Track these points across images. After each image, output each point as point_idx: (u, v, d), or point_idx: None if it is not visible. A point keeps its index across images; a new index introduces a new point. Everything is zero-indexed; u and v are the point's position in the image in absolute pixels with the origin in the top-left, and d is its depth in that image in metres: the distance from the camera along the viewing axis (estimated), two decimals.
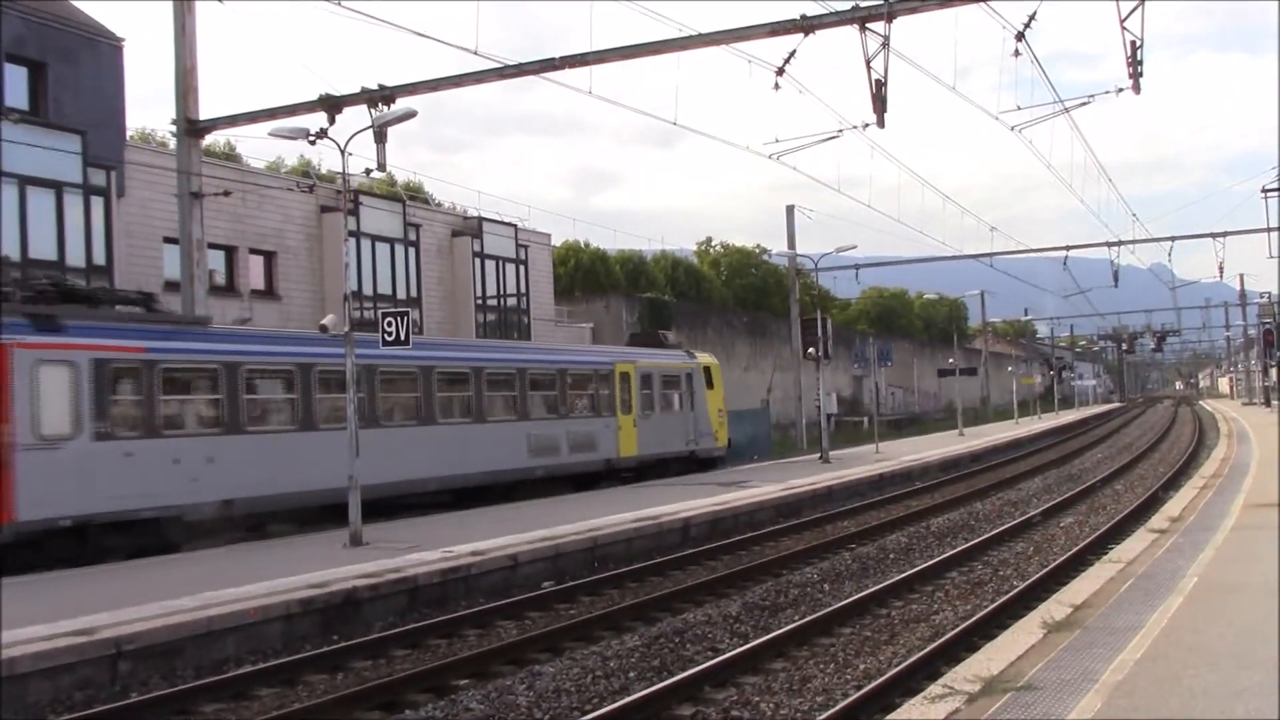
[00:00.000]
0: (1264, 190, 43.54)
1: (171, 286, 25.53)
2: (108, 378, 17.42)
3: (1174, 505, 19.05)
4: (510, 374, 26.40)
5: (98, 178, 24.58)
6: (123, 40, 26.79)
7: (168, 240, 26.34)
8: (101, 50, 26.16)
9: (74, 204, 23.96)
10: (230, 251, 30.09)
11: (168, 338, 18.97)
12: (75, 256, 23.88)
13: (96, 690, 10.68)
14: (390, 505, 21.86)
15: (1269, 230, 44.39)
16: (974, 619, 12.30)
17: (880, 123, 19.95)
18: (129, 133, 29.49)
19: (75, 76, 25.22)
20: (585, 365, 29.14)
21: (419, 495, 23.37)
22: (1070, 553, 16.69)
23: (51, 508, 16.20)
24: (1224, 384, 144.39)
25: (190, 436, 18.87)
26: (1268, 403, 71.37)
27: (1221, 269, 50.49)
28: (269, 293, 31.04)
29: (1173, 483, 26.84)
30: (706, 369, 33.83)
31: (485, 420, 25.12)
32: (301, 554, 16.66)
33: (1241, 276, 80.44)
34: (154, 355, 18.25)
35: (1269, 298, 67.11)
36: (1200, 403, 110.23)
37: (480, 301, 37.94)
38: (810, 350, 36.62)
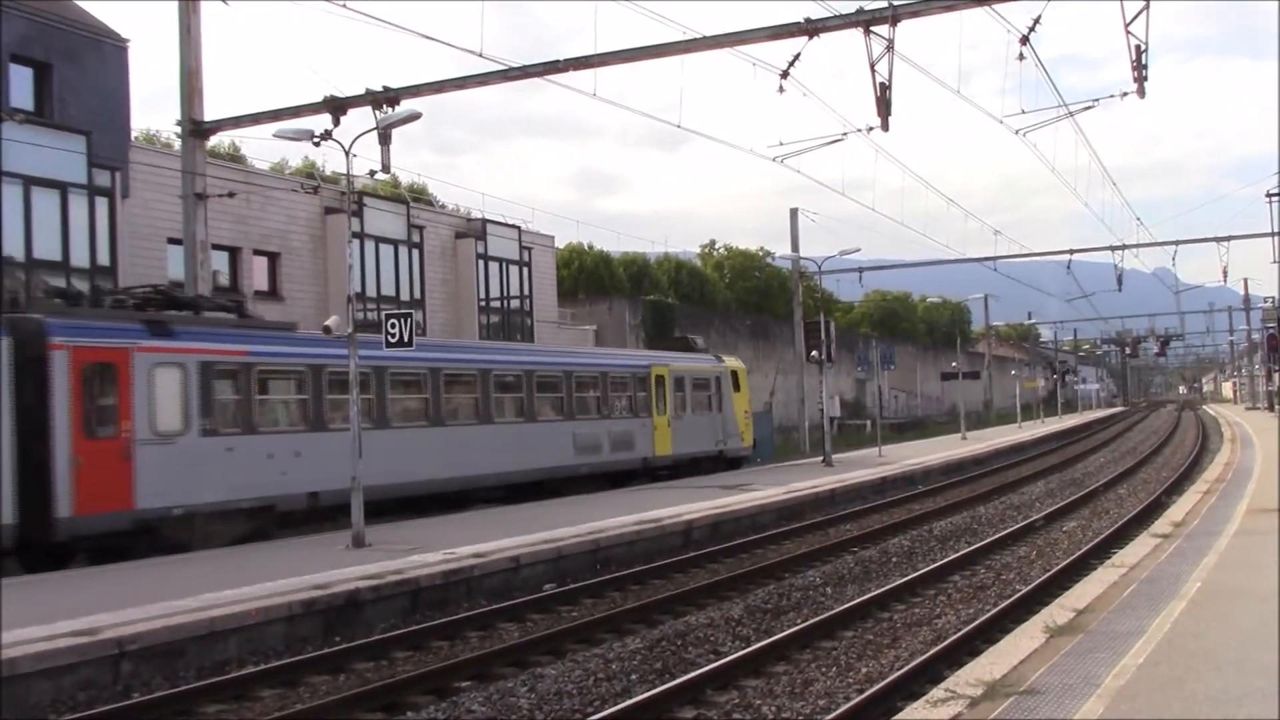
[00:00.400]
0: (1268, 195, 43.57)
1: (176, 288, 25.55)
2: (212, 379, 18.84)
3: (1177, 510, 19.03)
4: (557, 377, 27.70)
5: (102, 178, 24.62)
6: (128, 41, 26.84)
7: (172, 241, 26.38)
8: (106, 51, 26.22)
9: (79, 205, 24.00)
10: (234, 252, 30.15)
11: (262, 342, 20.33)
12: (80, 257, 23.92)
13: (98, 691, 10.68)
14: (453, 500, 23.48)
15: (1273, 234, 44.40)
16: (976, 623, 12.29)
17: (884, 126, 19.96)
18: (134, 133, 29.52)
19: (80, 77, 25.27)
20: (624, 368, 30.36)
21: (478, 490, 24.64)
22: (1073, 557, 16.66)
23: (166, 498, 17.56)
24: (1227, 389, 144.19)
25: (281, 433, 20.26)
26: (1271, 407, 71.26)
27: (1225, 273, 50.52)
28: (272, 294, 31.08)
29: (1176, 487, 26.80)
30: (734, 373, 35.03)
31: (535, 420, 26.46)
32: (304, 555, 16.66)
33: (1245, 281, 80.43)
34: (251, 358, 19.59)
35: (1273, 302, 67.00)
36: (1203, 407, 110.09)
37: (484, 303, 37.97)
38: (813, 353, 36.60)
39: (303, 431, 20.51)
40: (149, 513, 17.45)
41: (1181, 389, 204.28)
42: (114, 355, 17.38)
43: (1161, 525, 16.76)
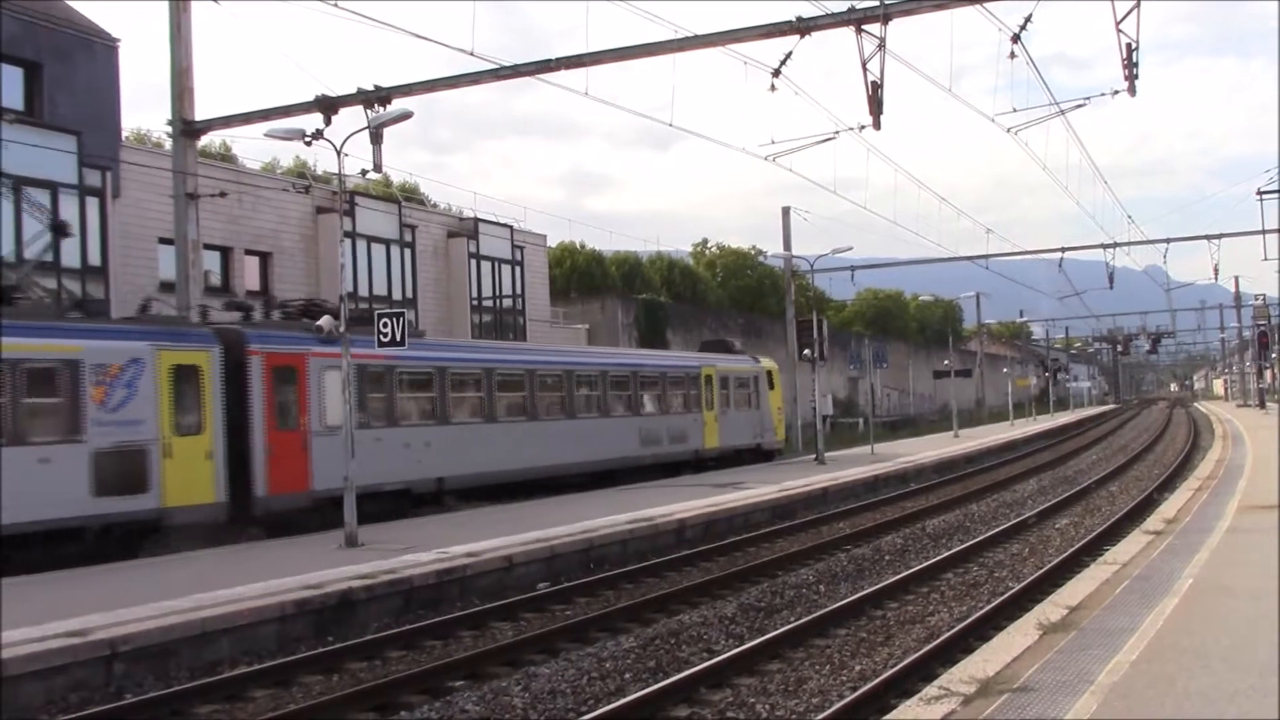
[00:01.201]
0: (1259, 192, 43.63)
1: (167, 287, 25.50)
2: (365, 380, 21.60)
3: (1169, 507, 19.06)
4: (626, 377, 30.83)
5: (93, 178, 24.56)
6: (118, 40, 26.78)
7: (163, 241, 26.33)
8: (96, 50, 26.15)
9: (69, 205, 23.93)
10: (226, 252, 30.10)
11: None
12: (70, 257, 23.85)
13: (90, 692, 10.65)
14: (543, 486, 26.02)
15: (1264, 232, 44.50)
16: (970, 620, 12.31)
17: (876, 124, 19.96)
18: (124, 133, 29.46)
19: (70, 77, 25.20)
20: (680, 369, 33.48)
21: (564, 478, 27.30)
22: (1065, 554, 16.70)
23: (333, 481, 19.28)
24: (1219, 386, 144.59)
25: (416, 426, 23.25)
26: (1262, 405, 71.49)
27: (1216, 271, 50.53)
28: (264, 294, 31.01)
29: (1168, 485, 26.86)
30: (769, 372, 37.85)
31: (609, 415, 29.49)
32: (297, 555, 16.64)
33: (1236, 279, 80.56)
34: (392, 361, 21.85)
35: (1263, 300, 67.23)
36: (1195, 405, 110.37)
37: (476, 302, 37.96)
38: (806, 352, 36.64)
39: (431, 425, 23.57)
40: (321, 493, 20.29)
41: (1173, 386, 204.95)
42: (294, 360, 20.48)
43: (1154, 522, 16.79)
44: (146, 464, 17.75)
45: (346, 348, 17.87)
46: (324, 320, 18.37)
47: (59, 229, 22.11)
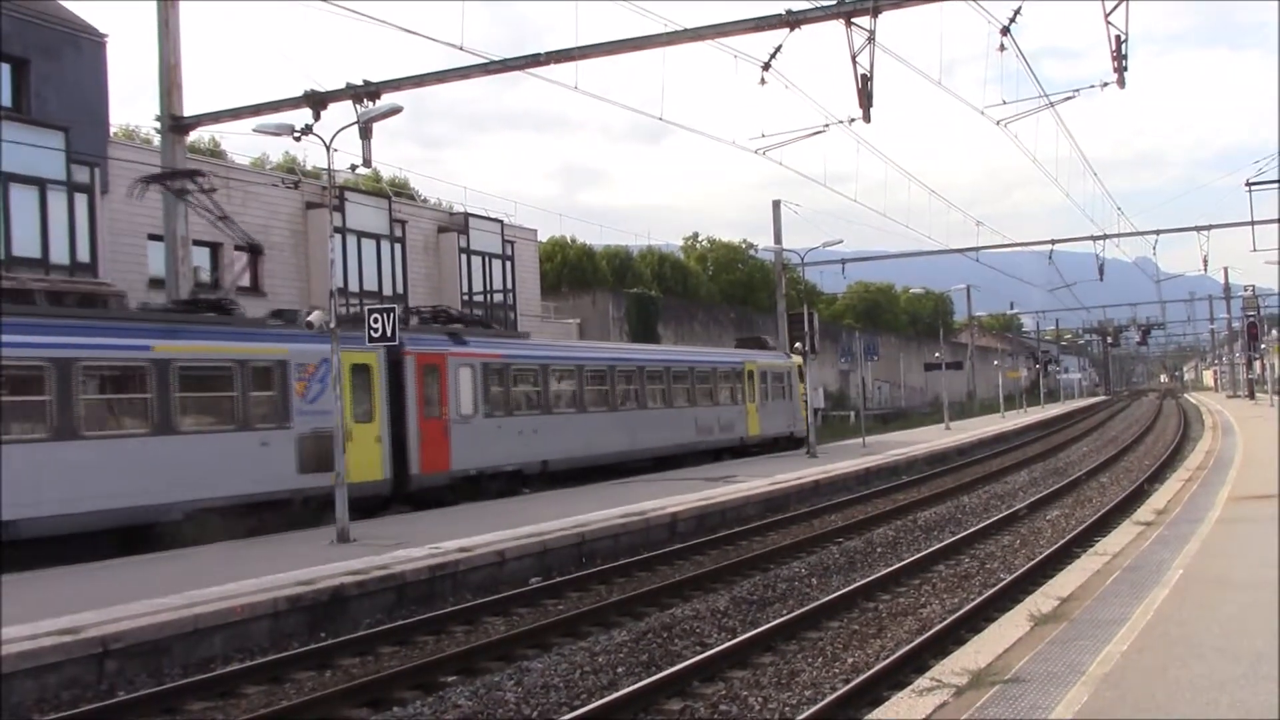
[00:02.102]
0: (1248, 184, 43.73)
1: (156, 283, 25.45)
2: (489, 375, 25.37)
3: (1159, 498, 19.11)
4: (685, 372, 34.14)
5: (81, 174, 24.49)
6: (106, 36, 26.69)
7: (152, 237, 26.26)
8: (84, 46, 26.06)
9: (58, 201, 23.88)
10: (215, 249, 29.99)
11: (512, 347, 27.45)
12: (59, 254, 23.79)
13: (83, 689, 10.64)
14: (619, 469, 29.38)
15: (1253, 224, 44.62)
16: (961, 612, 12.33)
17: (866, 117, 19.97)
18: (113, 129, 29.35)
19: (58, 73, 25.11)
20: (728, 365, 36.82)
21: (637, 462, 30.53)
22: (1056, 545, 16.74)
23: (466, 463, 24.18)
24: (1208, 377, 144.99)
25: (526, 415, 26.76)
26: (1252, 395, 71.70)
27: (1206, 262, 50.72)
28: (254, 290, 30.94)
29: (1158, 476, 26.92)
30: (799, 367, 40.07)
31: (673, 406, 32.91)
32: (288, 551, 16.62)
33: (1226, 270, 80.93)
34: (508, 359, 26.20)
35: (1253, 291, 67.38)
36: (1185, 396, 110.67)
37: (467, 297, 37.92)
38: (797, 345, 36.69)
39: (538, 414, 27.17)
40: (458, 473, 24.03)
41: (1163, 378, 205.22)
42: (437, 359, 23.92)
43: (1144, 513, 16.83)
44: (318, 450, 20.08)
45: (335, 343, 17.83)
46: (314, 316, 18.32)
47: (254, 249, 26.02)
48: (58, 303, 18.12)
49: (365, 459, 21.49)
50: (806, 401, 37.16)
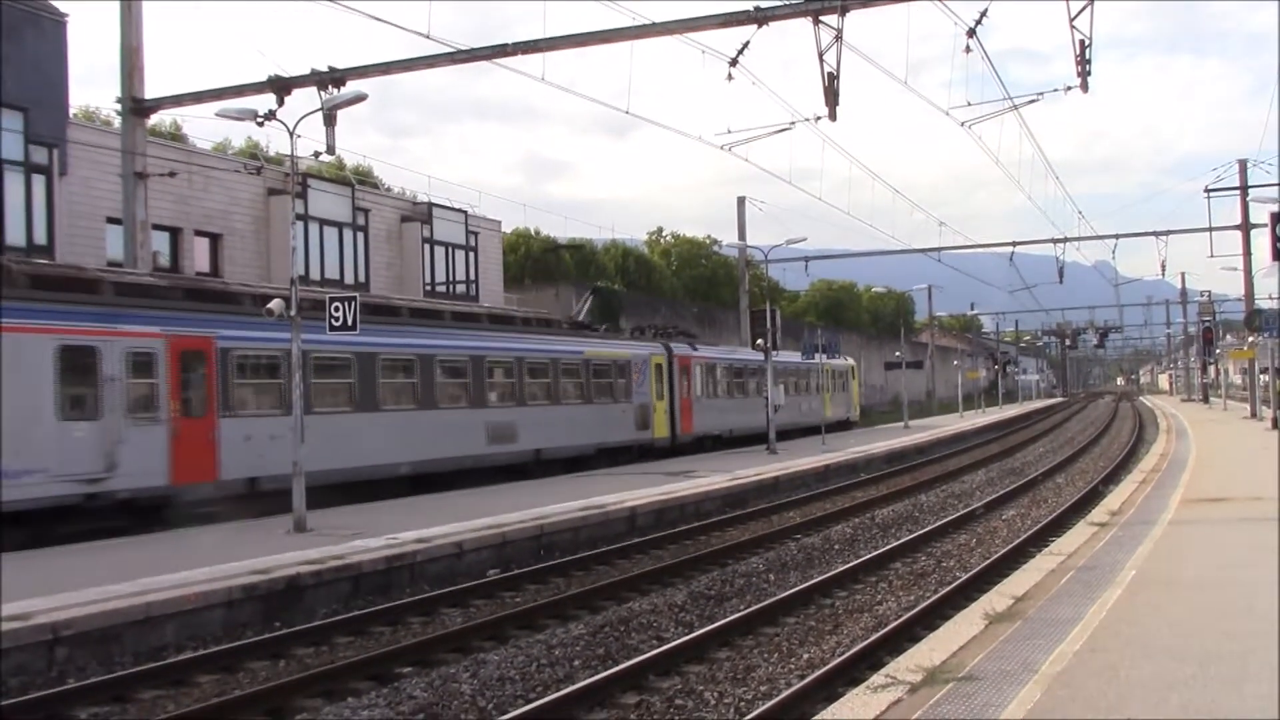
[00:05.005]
0: (1207, 190, 44.27)
1: (114, 268, 25.11)
2: (705, 371, 37.97)
3: (1114, 499, 19.30)
4: (793, 370, 45.36)
5: (39, 155, 24.16)
6: (66, 16, 26.29)
7: (111, 221, 25.91)
8: (44, 25, 25.67)
9: (15, 182, 23.55)
10: (175, 233, 29.68)
11: (718, 352, 40.68)
12: (15, 235, 23.47)
13: (32, 676, 10.50)
14: (761, 437, 37.03)
15: (1210, 230, 45.18)
16: (917, 609, 12.41)
17: (832, 116, 20.05)
18: (72, 110, 28.96)
19: (17, 52, 24.71)
20: (810, 366, 46.84)
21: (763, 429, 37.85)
22: (1012, 545, 16.88)
23: (699, 428, 37.21)
24: (1164, 380, 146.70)
25: (718, 398, 39.35)
26: (1206, 400, 72.57)
27: (1163, 267, 51.33)
28: (214, 276, 30.62)
29: (1113, 477, 27.21)
30: (852, 368, 55.59)
31: (794, 394, 44.60)
32: (244, 540, 16.48)
33: (1183, 275, 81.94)
34: (714, 360, 39.31)
35: (1208, 296, 68.21)
36: (1140, 398, 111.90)
37: (430, 288, 37.73)
38: (759, 341, 36.80)
39: (726, 398, 39.97)
40: (698, 434, 36.90)
41: (1119, 380, 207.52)
42: (687, 360, 36.92)
43: (1099, 514, 16.99)
44: (649, 415, 34.08)
45: (297, 332, 17.69)
46: (274, 304, 18.16)
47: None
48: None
49: (660, 422, 34.71)
50: (765, 398, 37.48)
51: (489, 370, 27.01)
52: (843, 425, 51.41)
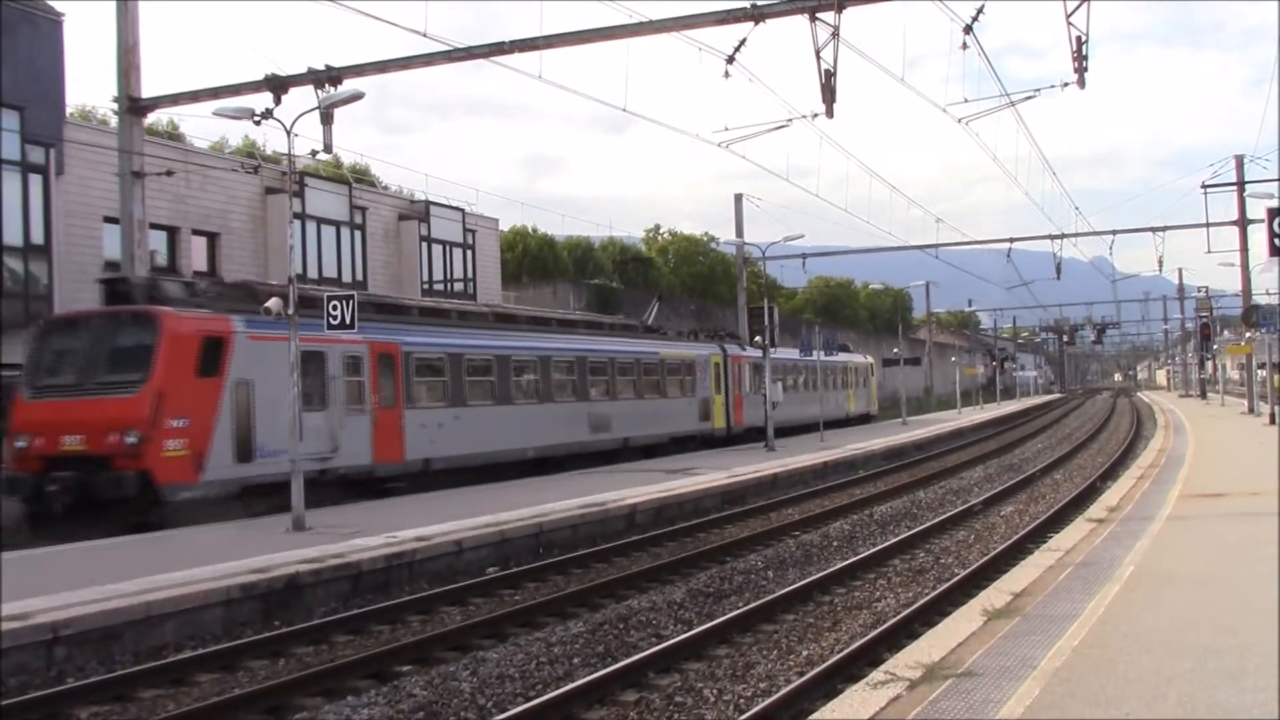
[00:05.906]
0: (1204, 186, 44.28)
1: (111, 267, 25.11)
2: (751, 370, 40.33)
3: (1112, 495, 19.32)
4: (828, 367, 49.52)
5: (36, 155, 24.12)
6: (62, 15, 26.25)
7: (108, 220, 25.86)
8: (40, 24, 25.62)
9: (12, 182, 23.51)
10: (172, 232, 29.63)
11: (741, 350, 41.16)
12: (12, 235, 23.43)
13: (31, 676, 10.51)
14: (804, 427, 42.35)
15: (1208, 225, 45.18)
16: (916, 606, 12.43)
17: (829, 113, 20.03)
18: (69, 109, 28.90)
19: (13, 51, 24.66)
20: (838, 364, 51.75)
21: (802, 422, 42.75)
22: (1010, 541, 16.90)
23: (748, 421, 39.84)
24: (1161, 376, 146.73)
25: (786, 390, 41.90)
26: (1204, 395, 72.60)
27: (1161, 263, 51.36)
28: (212, 275, 30.59)
29: (1111, 473, 27.22)
30: (871, 365, 60.45)
31: (826, 390, 48.76)
32: (243, 539, 16.50)
33: (1180, 270, 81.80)
34: (759, 360, 38.33)
35: (1206, 292, 68.19)
36: (1138, 394, 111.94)
37: (427, 286, 37.70)
38: (757, 338, 36.80)
39: (792, 390, 43.80)
40: (748, 426, 39.55)
41: (1117, 376, 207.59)
42: (739, 360, 40.12)
43: (1097, 510, 17.01)
44: (710, 408, 37.67)
45: (294, 330, 17.68)
46: (271, 302, 18.14)
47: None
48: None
49: (719, 414, 38.44)
50: (764, 395, 37.52)
51: (590, 369, 31.09)
52: (864, 419, 56.40)
